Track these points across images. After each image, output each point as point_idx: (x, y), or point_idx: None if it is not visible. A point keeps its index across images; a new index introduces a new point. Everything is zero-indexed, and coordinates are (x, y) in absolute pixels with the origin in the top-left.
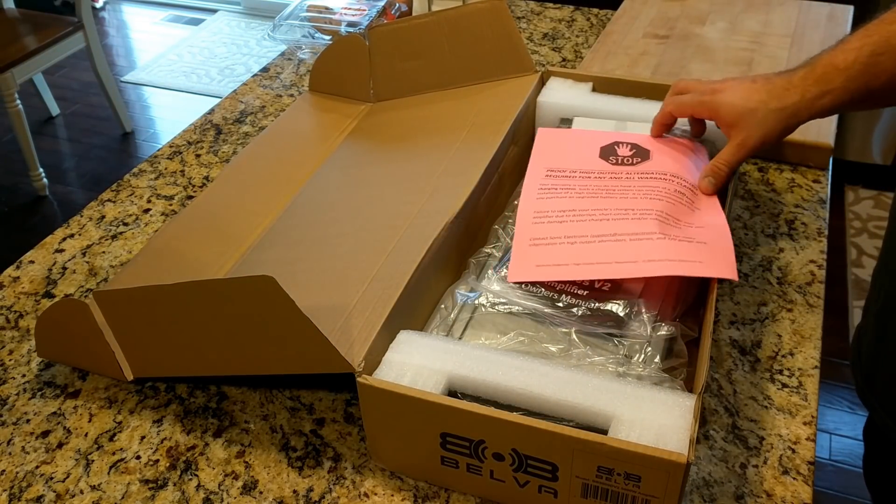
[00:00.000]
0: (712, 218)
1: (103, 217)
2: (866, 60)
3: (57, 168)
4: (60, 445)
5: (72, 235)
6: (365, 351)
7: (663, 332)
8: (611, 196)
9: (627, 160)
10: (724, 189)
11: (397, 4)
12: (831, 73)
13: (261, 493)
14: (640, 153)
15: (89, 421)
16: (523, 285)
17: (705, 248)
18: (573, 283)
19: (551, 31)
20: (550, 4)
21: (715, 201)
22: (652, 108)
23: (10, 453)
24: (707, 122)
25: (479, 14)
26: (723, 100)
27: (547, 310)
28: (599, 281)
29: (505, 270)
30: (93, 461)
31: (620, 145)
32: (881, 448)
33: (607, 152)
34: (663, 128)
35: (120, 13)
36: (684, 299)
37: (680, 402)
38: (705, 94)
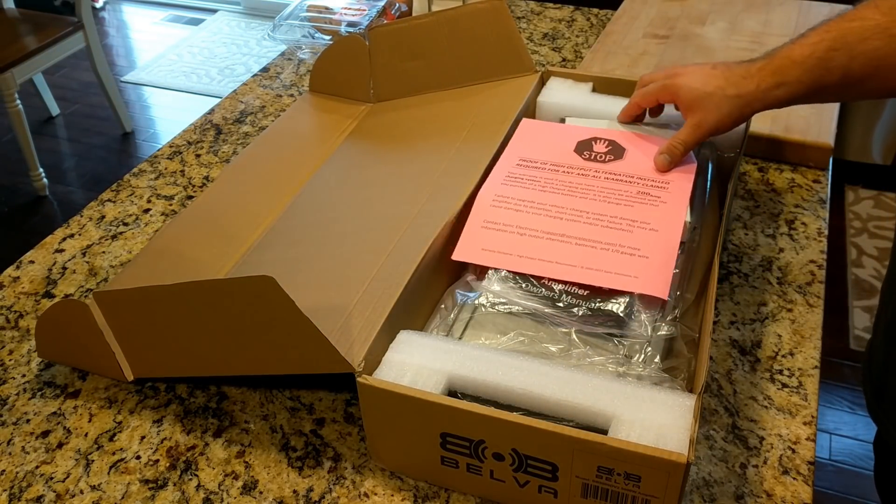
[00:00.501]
0: (669, 225)
1: (103, 217)
2: (822, 55)
3: (57, 168)
4: (60, 445)
5: (72, 235)
6: (365, 351)
7: (663, 332)
8: (572, 194)
9: (600, 157)
10: (724, 184)
11: (397, 4)
12: (788, 66)
13: (261, 493)
14: (616, 151)
15: (89, 421)
16: (524, 285)
17: (645, 263)
18: (573, 282)
19: (551, 31)
20: (550, 4)
21: (681, 205)
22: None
23: (10, 453)
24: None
25: (479, 14)
26: (682, 83)
27: (547, 310)
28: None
29: (503, 272)
30: (93, 461)
31: (598, 141)
32: (892, 459)
33: (583, 147)
34: (629, 118)
35: (120, 13)
36: (685, 298)
37: (680, 402)
38: (667, 79)
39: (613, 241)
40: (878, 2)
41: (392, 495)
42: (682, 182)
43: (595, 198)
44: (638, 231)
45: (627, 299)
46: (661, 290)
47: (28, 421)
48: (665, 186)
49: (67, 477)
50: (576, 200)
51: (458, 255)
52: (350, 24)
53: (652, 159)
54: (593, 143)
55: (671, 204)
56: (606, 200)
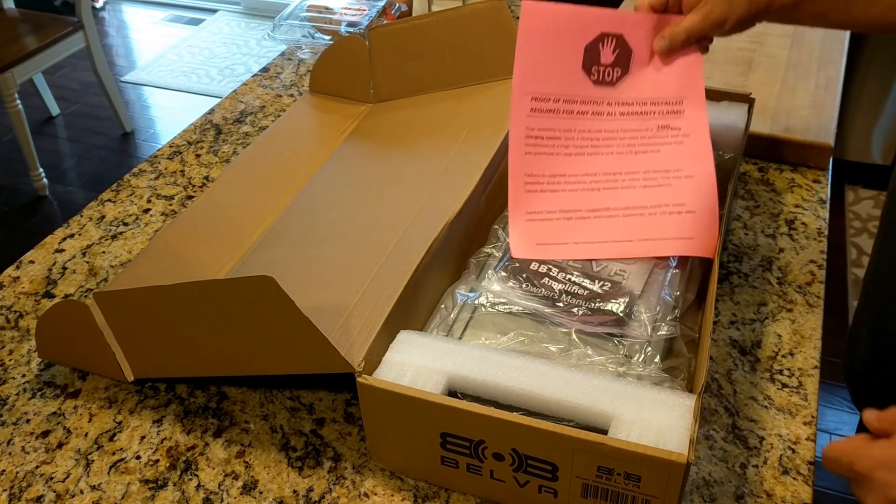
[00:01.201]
0: (700, 167)
1: (103, 217)
2: None
3: (57, 168)
4: (60, 445)
5: (72, 235)
6: (365, 351)
7: (663, 332)
8: (597, 151)
9: (608, 75)
10: (724, 184)
11: (397, 4)
12: None
13: (261, 493)
14: (623, 56)
15: (89, 421)
16: (523, 285)
17: (693, 219)
18: (575, 282)
19: None
20: None
21: (703, 134)
22: None
23: (10, 453)
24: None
25: (479, 14)
26: None
27: (547, 310)
28: (600, 280)
29: (503, 272)
30: (93, 461)
31: (605, 44)
32: None
33: (591, 59)
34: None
35: (120, 13)
36: (685, 298)
37: (680, 402)
38: None
39: (657, 201)
40: None
41: (392, 495)
42: (694, 97)
43: (621, 150)
44: (675, 182)
45: (627, 299)
46: (710, 250)
47: (28, 421)
48: (680, 110)
49: (67, 477)
50: (604, 160)
51: (517, 253)
52: (350, 24)
53: (657, 64)
54: (600, 47)
55: (693, 136)
56: (632, 151)
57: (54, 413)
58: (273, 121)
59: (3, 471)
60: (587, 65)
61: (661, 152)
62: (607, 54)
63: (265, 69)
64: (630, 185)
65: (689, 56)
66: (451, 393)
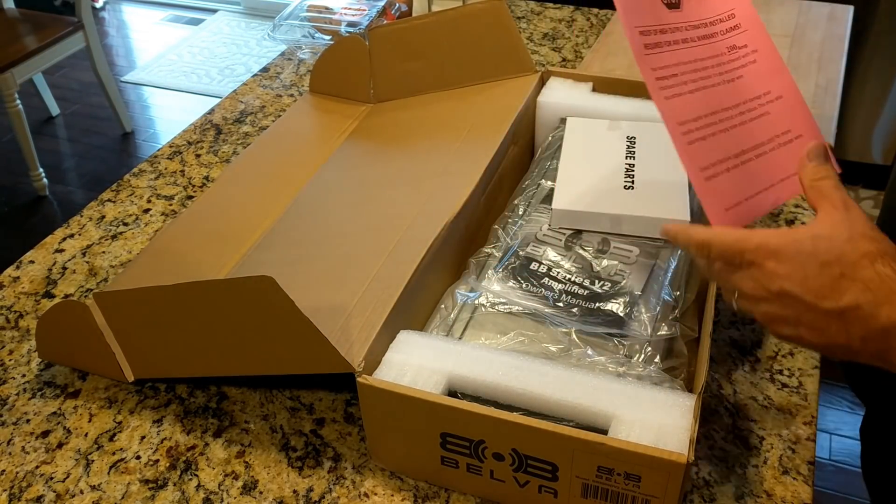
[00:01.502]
0: (782, 83)
1: (103, 217)
2: None
3: (57, 168)
4: (60, 445)
5: (72, 235)
6: (365, 351)
7: (663, 332)
8: (728, 80)
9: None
10: None
11: (397, 4)
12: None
13: (261, 493)
14: None
15: (89, 421)
16: (523, 285)
17: (810, 120)
18: (574, 282)
19: (551, 31)
20: (550, 4)
21: (767, 44)
22: (652, 108)
23: (10, 453)
24: None
25: (479, 14)
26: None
27: (547, 310)
28: (600, 280)
29: (503, 272)
30: (93, 461)
31: None
32: (878, 446)
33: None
34: None
35: (120, 13)
36: (685, 298)
37: (680, 402)
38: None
39: (775, 131)
40: None
41: (392, 495)
42: (741, 5)
43: (742, 74)
44: (773, 108)
45: (627, 299)
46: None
47: (28, 421)
48: (736, 24)
49: (67, 477)
50: (735, 86)
51: (718, 221)
52: (350, 24)
53: None
54: None
55: (760, 51)
56: (751, 73)
57: (54, 413)
58: (273, 121)
59: (3, 471)
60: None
61: (745, 77)
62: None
63: (265, 69)
64: (750, 118)
65: None
66: (451, 393)
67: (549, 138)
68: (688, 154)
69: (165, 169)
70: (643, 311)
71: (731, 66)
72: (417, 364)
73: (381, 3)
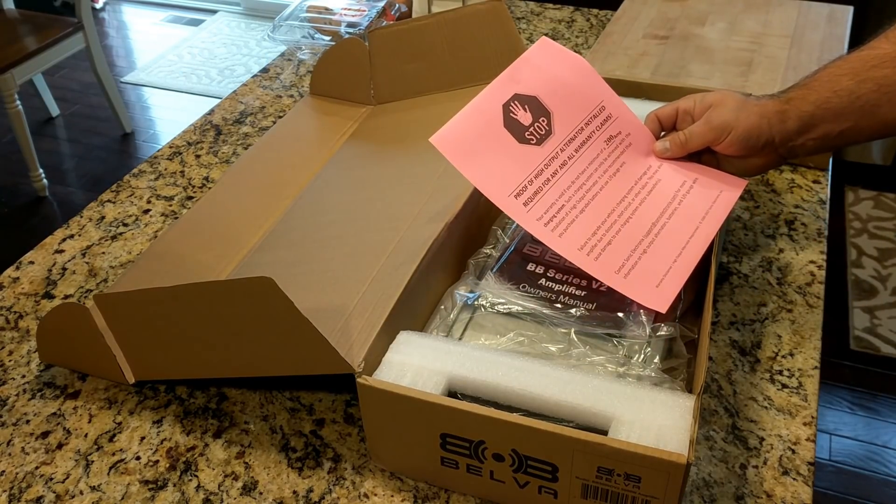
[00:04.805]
0: (648, 142)
1: (103, 218)
2: (828, 78)
3: (57, 169)
4: (60, 446)
5: (72, 236)
6: (365, 352)
7: (663, 333)
8: (613, 173)
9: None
10: None
11: (397, 5)
12: (798, 96)
13: (261, 493)
14: (536, 109)
15: (89, 422)
16: (521, 286)
17: (700, 184)
18: (573, 283)
19: (551, 31)
20: (550, 5)
21: (625, 111)
22: (652, 108)
23: (9, 454)
24: None
25: (479, 15)
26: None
27: (546, 310)
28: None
29: (503, 272)
30: (93, 462)
31: (516, 107)
32: None
33: (512, 125)
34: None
35: (120, 14)
36: (685, 297)
37: (680, 403)
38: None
39: (665, 202)
40: (889, 34)
41: (392, 496)
42: (607, 95)
43: (611, 173)
44: (662, 174)
45: (626, 299)
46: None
47: (28, 422)
48: (608, 115)
49: (67, 478)
50: (608, 191)
51: (655, 302)
52: (350, 25)
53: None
54: (513, 112)
55: (633, 132)
56: (613, 173)
57: (54, 414)
58: (273, 122)
59: (3, 471)
60: (514, 131)
61: (627, 162)
62: (525, 117)
63: (265, 70)
64: (647, 192)
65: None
66: (451, 393)
67: None
68: (598, 268)
69: (165, 169)
70: (642, 311)
71: (612, 159)
72: (417, 365)
73: (381, 4)
